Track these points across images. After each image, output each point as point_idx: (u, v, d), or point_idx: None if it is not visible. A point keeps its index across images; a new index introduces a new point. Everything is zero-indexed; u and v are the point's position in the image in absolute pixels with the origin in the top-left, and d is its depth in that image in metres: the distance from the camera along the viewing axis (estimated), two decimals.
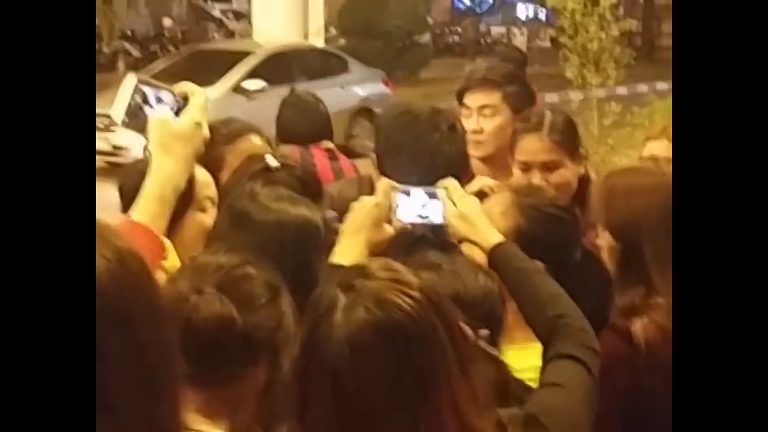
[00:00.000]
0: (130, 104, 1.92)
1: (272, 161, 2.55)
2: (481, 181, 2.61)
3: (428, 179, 2.37)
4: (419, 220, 2.26)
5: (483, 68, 3.42)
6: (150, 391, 1.11)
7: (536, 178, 2.84)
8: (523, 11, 33.29)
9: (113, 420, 1.06)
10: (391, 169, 2.47)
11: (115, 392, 1.07)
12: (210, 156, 2.77)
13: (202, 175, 2.59)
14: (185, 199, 2.43)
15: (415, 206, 2.24)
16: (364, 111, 13.87)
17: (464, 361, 1.52)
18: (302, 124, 4.40)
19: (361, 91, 14.33)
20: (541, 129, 2.90)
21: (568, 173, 2.91)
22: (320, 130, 4.57)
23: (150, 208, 1.80)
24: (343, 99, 13.06)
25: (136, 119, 1.92)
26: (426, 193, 2.25)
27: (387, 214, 2.24)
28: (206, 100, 1.92)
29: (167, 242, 1.82)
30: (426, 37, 22.45)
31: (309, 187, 2.55)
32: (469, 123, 3.10)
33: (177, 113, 1.90)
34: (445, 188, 2.26)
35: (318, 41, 17.86)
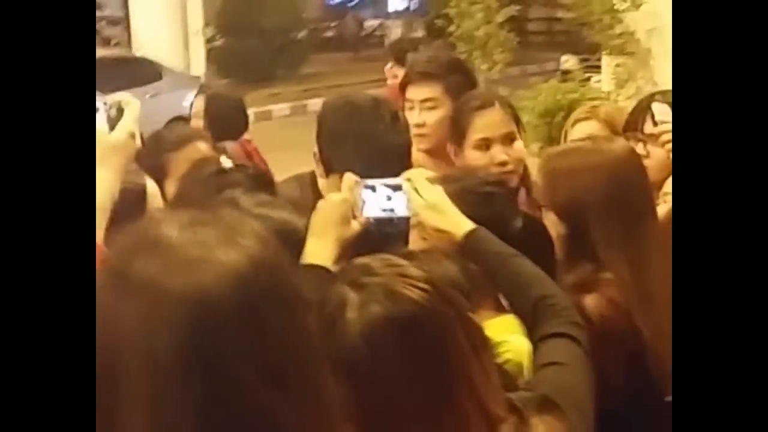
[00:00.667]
0: None
1: (227, 162, 2.61)
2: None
3: (373, 170, 2.33)
4: (385, 214, 2.22)
5: (423, 61, 3.37)
6: (317, 364, 1.18)
7: (499, 153, 2.87)
8: (395, 3, 33.64)
9: (287, 396, 1.12)
10: (335, 162, 2.46)
11: (287, 368, 1.14)
12: (154, 164, 2.84)
13: (151, 186, 2.62)
14: (137, 211, 2.39)
15: (380, 200, 2.22)
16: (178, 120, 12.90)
17: (478, 349, 1.54)
18: (229, 119, 4.60)
19: (175, 99, 13.27)
20: (494, 104, 2.94)
21: (521, 145, 2.95)
22: (245, 124, 4.81)
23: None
24: (153, 108, 11.66)
25: None
26: (389, 186, 2.23)
27: (353, 210, 2.20)
28: (139, 110, 1.94)
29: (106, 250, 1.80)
30: (303, 34, 22.53)
31: (264, 185, 2.57)
32: (411, 116, 3.09)
33: (108, 121, 1.91)
34: (409, 180, 2.23)
35: (198, 42, 17.84)
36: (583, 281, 2.19)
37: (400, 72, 7.67)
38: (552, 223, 2.31)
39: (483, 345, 1.56)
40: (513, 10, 8.81)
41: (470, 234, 2.11)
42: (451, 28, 8.51)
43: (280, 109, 17.62)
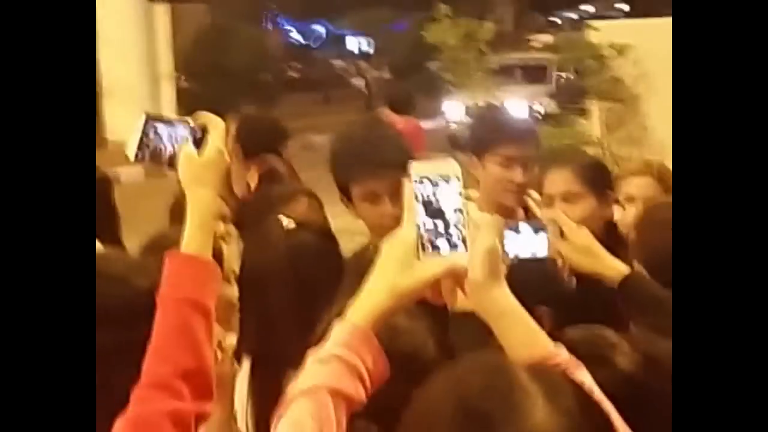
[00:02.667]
0: (142, 139, 1.98)
1: (286, 221, 2.65)
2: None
3: (376, 182, 2.53)
4: (527, 255, 2.23)
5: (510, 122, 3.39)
6: None
7: (556, 210, 2.86)
8: (354, 44, 33.87)
9: None
10: (347, 178, 2.62)
11: None
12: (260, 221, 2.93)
13: (227, 249, 2.69)
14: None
15: (523, 241, 2.21)
16: None
17: None
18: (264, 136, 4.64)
19: None
20: (567, 165, 3.04)
21: (590, 208, 2.95)
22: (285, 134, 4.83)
23: (196, 238, 1.88)
24: None
25: (151, 153, 1.99)
26: (531, 226, 2.25)
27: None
28: (225, 128, 2.00)
29: (218, 267, 1.92)
30: (269, 75, 22.62)
31: (327, 240, 2.71)
32: (509, 173, 3.16)
33: (195, 142, 1.97)
34: (552, 220, 2.24)
35: (168, 85, 17.84)
36: None
37: (397, 119, 7.80)
38: None
39: None
40: (506, 57, 8.95)
41: (629, 277, 2.09)
42: (446, 75, 8.60)
43: None
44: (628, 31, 8.57)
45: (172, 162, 1.97)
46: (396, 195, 2.56)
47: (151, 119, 2.00)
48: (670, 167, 3.65)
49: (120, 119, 17.17)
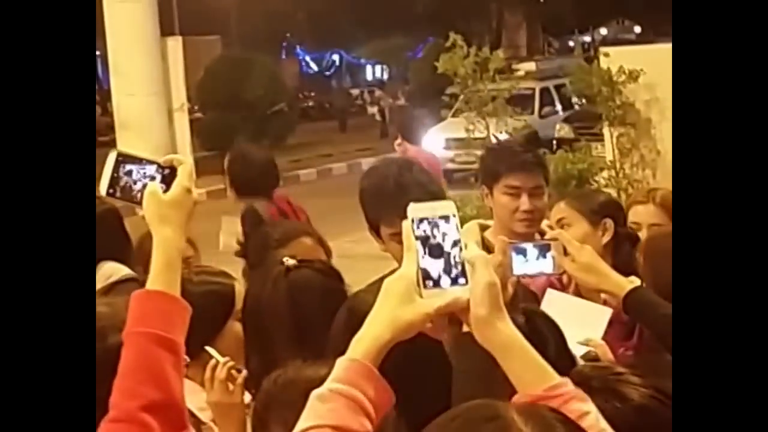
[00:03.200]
0: (113, 176, 2.04)
1: (290, 262, 2.67)
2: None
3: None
4: (533, 275, 2.32)
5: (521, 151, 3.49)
6: None
7: (559, 231, 2.88)
8: (369, 72, 34.04)
9: None
10: (376, 219, 2.66)
11: None
12: (261, 261, 2.97)
13: (240, 286, 2.78)
14: (226, 311, 2.64)
15: (529, 261, 2.26)
16: None
17: None
18: (258, 175, 4.63)
19: None
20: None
21: (577, 232, 3.17)
22: (276, 179, 4.83)
23: (163, 276, 1.90)
24: None
25: (122, 191, 2.04)
26: (536, 246, 2.29)
27: (508, 274, 2.21)
28: (192, 168, 2.06)
29: (187, 304, 1.93)
30: (284, 105, 22.74)
31: (332, 278, 2.71)
32: (516, 202, 3.29)
33: (163, 180, 2.02)
34: (555, 240, 2.28)
35: (182, 117, 17.89)
36: None
37: (410, 147, 7.78)
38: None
39: None
40: (514, 84, 8.97)
41: (633, 292, 2.15)
42: (458, 105, 8.60)
43: None
44: (639, 56, 8.55)
45: (141, 199, 2.01)
46: None
47: (122, 157, 2.05)
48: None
49: (134, 152, 17.25)
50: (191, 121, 18.97)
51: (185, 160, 2.04)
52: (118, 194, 2.05)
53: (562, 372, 1.94)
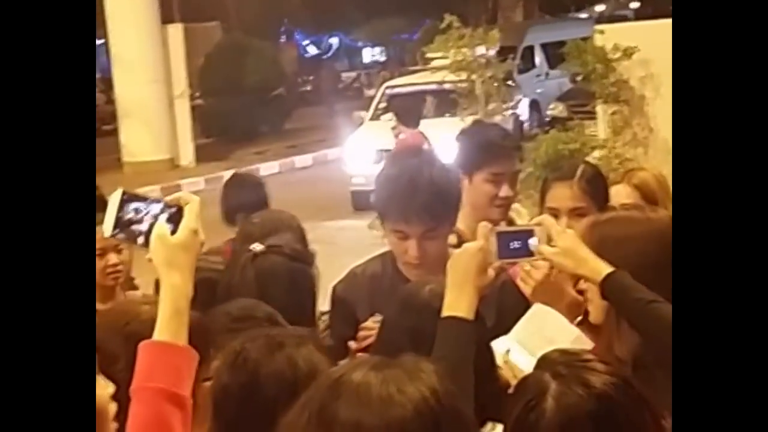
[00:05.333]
0: (119, 217, 1.97)
1: (258, 248, 2.72)
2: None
3: (428, 215, 2.64)
4: (516, 260, 2.34)
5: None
6: None
7: (563, 224, 2.89)
8: (368, 55, 34.00)
9: None
10: (385, 212, 2.75)
11: None
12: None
13: None
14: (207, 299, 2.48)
15: (512, 246, 2.26)
16: None
17: None
18: (250, 202, 4.77)
19: None
20: (572, 177, 3.15)
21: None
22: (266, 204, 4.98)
23: (170, 326, 1.86)
24: None
25: (128, 231, 1.98)
26: (521, 231, 2.31)
27: (489, 258, 2.23)
28: (199, 206, 1.99)
29: (195, 352, 1.89)
30: (282, 90, 22.75)
31: (303, 260, 2.76)
32: (496, 189, 3.34)
33: (169, 220, 1.96)
34: (539, 225, 2.29)
35: (183, 104, 17.98)
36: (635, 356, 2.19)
37: (406, 130, 7.92)
38: (594, 295, 2.26)
39: None
40: (510, 65, 9.04)
41: (610, 277, 2.14)
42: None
43: (269, 167, 17.36)
44: (633, 33, 8.57)
45: (147, 240, 1.95)
46: (423, 239, 2.72)
47: (126, 195, 1.99)
48: (654, 174, 3.74)
49: (136, 140, 17.35)
50: (192, 108, 19.08)
51: (192, 197, 1.99)
52: (122, 235, 1.99)
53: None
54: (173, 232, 1.93)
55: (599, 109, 8.73)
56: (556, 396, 1.62)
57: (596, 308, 2.25)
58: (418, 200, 2.68)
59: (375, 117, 13.97)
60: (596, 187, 3.17)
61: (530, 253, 2.26)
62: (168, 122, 17.72)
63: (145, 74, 17.18)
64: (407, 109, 7.92)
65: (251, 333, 2.06)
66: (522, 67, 19.25)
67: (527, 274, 2.50)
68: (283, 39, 33.37)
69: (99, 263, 3.61)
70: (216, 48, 21.68)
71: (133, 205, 1.98)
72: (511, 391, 1.86)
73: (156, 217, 1.96)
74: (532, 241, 2.25)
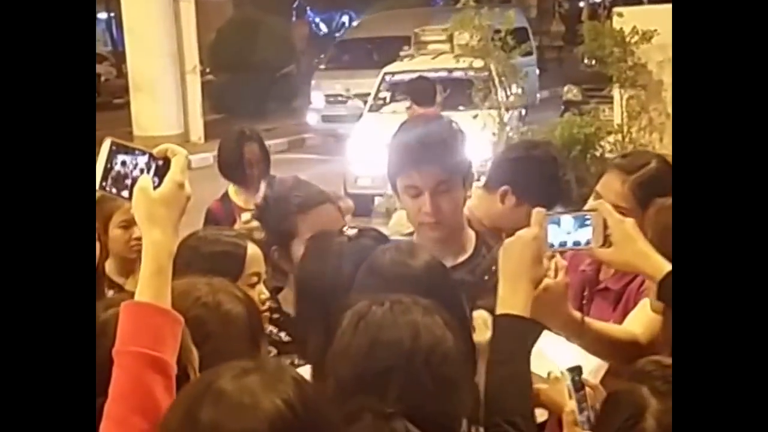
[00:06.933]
0: (107, 169, 1.89)
1: (351, 231, 2.69)
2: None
3: (440, 166, 2.64)
4: (569, 248, 2.15)
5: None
6: None
7: (602, 202, 2.55)
8: None
9: None
10: (395, 171, 2.75)
11: None
12: (281, 226, 3.01)
13: (252, 249, 2.72)
14: (232, 275, 2.47)
15: (565, 233, 2.12)
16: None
17: None
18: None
19: None
20: (630, 173, 2.82)
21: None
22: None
23: (152, 285, 1.76)
24: None
25: (114, 184, 1.90)
26: (574, 218, 2.13)
27: (545, 248, 2.07)
28: (186, 159, 1.87)
29: (179, 315, 1.79)
30: (293, 67, 22.64)
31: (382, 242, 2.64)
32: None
33: (156, 173, 1.86)
34: (595, 211, 2.12)
35: (194, 79, 17.91)
36: None
37: (419, 110, 7.80)
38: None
39: None
40: (529, 46, 8.91)
41: (668, 276, 1.96)
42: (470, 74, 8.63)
43: (279, 144, 17.11)
44: (653, 16, 8.48)
45: (131, 195, 1.86)
46: (435, 192, 2.69)
47: (116, 146, 1.90)
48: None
49: (147, 114, 17.28)
50: (203, 84, 19.00)
51: (180, 150, 1.86)
52: (109, 188, 1.90)
53: None
54: (159, 186, 1.83)
55: (616, 93, 8.67)
56: (657, 415, 1.55)
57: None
58: (429, 151, 2.70)
59: (375, 108, 12.49)
60: (653, 190, 2.58)
61: (583, 238, 2.11)
62: (179, 97, 17.65)
63: (157, 48, 17.09)
64: (421, 90, 7.79)
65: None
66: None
67: None
68: (294, 17, 33.23)
69: (124, 236, 3.62)
70: (228, 23, 21.57)
71: (121, 156, 1.89)
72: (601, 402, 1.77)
73: (142, 171, 1.87)
74: (585, 230, 2.09)
